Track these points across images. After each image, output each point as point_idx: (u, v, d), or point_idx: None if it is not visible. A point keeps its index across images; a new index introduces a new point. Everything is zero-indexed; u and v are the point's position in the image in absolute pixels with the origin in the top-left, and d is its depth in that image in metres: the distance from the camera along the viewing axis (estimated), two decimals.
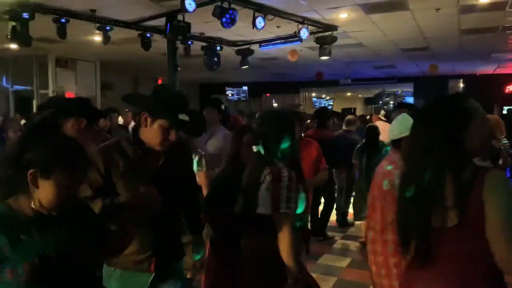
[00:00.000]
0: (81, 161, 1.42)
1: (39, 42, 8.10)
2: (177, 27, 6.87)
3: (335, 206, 6.14)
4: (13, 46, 7.57)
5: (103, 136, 3.33)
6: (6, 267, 1.27)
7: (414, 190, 1.51)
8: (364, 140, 5.24)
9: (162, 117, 1.95)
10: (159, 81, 13.78)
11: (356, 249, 5.32)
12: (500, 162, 3.82)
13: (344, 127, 6.24)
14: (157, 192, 1.96)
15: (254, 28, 6.53)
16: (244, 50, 9.39)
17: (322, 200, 5.86)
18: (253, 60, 9.87)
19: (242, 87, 16.88)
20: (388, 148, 2.70)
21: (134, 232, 1.98)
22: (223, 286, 2.53)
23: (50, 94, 10.25)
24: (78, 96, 6.54)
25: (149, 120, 1.97)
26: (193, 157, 3.08)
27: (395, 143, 2.42)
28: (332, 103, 19.77)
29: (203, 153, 3.46)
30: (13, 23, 6.45)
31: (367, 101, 19.57)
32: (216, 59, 9.23)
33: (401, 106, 4.87)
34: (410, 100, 15.38)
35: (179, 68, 8.03)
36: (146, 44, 8.04)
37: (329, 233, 5.81)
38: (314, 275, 2.52)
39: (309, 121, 7.09)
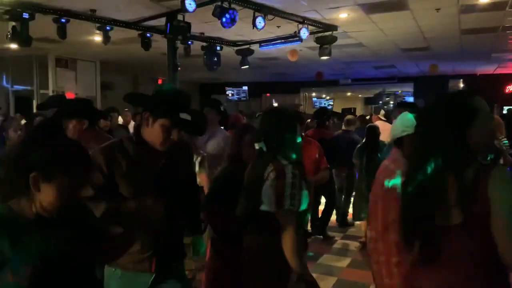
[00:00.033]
0: (83, 165, 1.41)
1: (39, 42, 8.08)
2: (177, 27, 6.87)
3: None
4: (13, 46, 7.58)
5: (105, 136, 3.32)
6: (7, 269, 1.26)
7: (417, 187, 1.51)
8: (364, 140, 5.24)
9: (163, 116, 1.94)
10: (159, 81, 13.77)
11: (356, 249, 5.31)
12: (501, 162, 3.82)
13: (343, 127, 6.24)
14: (164, 205, 1.95)
15: (254, 28, 6.52)
16: (244, 50, 9.38)
17: (323, 200, 5.87)
18: (253, 60, 9.86)
19: (242, 87, 16.84)
20: (388, 146, 2.69)
21: (135, 235, 1.97)
22: (224, 286, 2.54)
23: (50, 94, 10.25)
24: (80, 97, 6.54)
25: (150, 119, 1.96)
26: (194, 158, 3.08)
27: (398, 141, 2.41)
28: (332, 103, 19.79)
29: (204, 154, 3.45)
30: (13, 23, 6.45)
31: (367, 101, 19.59)
32: (216, 59, 9.23)
33: (402, 106, 4.83)
34: (410, 100, 15.36)
35: (179, 68, 8.02)
36: (146, 44, 8.04)
37: (329, 233, 5.81)
38: (314, 275, 2.52)
39: (309, 121, 7.09)
